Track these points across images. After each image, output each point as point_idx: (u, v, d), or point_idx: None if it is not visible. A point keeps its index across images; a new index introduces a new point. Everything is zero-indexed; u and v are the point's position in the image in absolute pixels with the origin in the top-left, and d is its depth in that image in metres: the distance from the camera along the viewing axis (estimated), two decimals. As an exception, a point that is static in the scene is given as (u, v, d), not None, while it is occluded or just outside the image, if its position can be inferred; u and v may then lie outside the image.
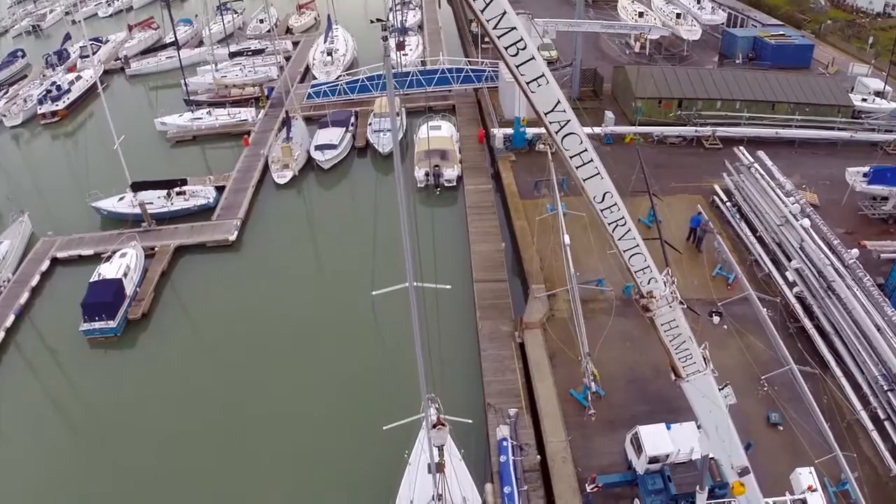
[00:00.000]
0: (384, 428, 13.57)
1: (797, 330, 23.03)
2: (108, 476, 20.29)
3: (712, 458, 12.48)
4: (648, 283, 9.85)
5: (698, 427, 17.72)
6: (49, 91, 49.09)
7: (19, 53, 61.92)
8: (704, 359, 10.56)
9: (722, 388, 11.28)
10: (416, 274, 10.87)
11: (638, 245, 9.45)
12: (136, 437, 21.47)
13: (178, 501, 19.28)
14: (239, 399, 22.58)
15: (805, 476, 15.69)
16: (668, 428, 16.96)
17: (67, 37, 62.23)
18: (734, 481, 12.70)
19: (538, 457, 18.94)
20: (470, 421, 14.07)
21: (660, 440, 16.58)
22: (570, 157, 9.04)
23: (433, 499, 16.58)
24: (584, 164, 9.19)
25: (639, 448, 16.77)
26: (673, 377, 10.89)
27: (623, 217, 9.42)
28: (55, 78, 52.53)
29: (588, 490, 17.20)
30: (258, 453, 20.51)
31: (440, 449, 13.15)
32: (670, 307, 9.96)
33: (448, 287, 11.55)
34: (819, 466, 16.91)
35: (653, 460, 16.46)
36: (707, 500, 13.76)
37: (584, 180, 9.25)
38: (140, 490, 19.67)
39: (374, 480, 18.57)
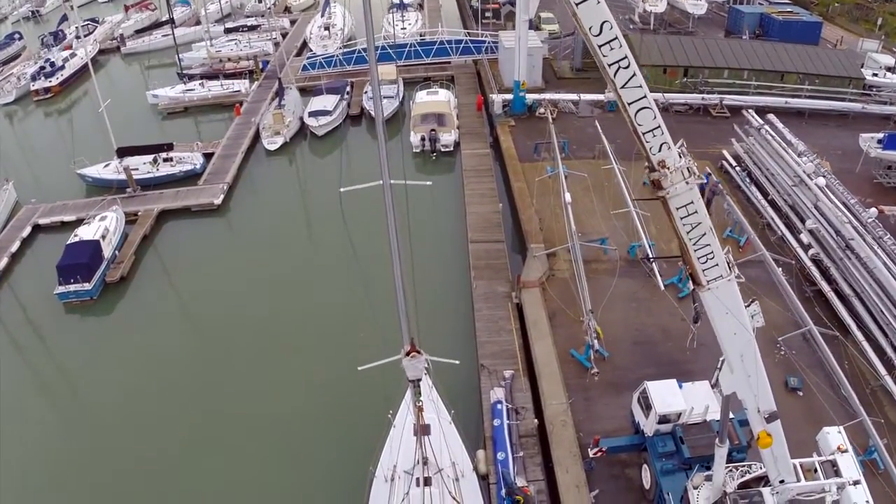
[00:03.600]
0: (359, 369, 12.13)
1: (814, 293, 21.57)
2: (80, 444, 19.04)
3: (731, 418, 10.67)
4: (660, 150, 8.30)
5: (713, 386, 16.41)
6: (43, 68, 48.20)
7: (16, 36, 61.21)
8: (728, 263, 9.01)
9: (749, 305, 9.71)
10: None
11: (645, 97, 7.92)
12: (110, 404, 20.20)
13: (155, 468, 17.98)
14: (218, 363, 21.28)
15: (833, 436, 13.80)
16: (680, 387, 15.39)
17: (64, 18, 61.64)
18: (760, 430, 11.06)
19: (536, 421, 17.45)
20: (457, 362, 12.55)
21: (670, 397, 14.93)
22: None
23: (417, 463, 15.16)
24: None
25: (647, 406, 15.14)
26: (691, 286, 9.30)
27: (626, 57, 7.77)
28: (49, 56, 51.68)
29: (591, 455, 15.66)
30: (237, 417, 19.22)
31: (417, 386, 11.65)
32: (687, 184, 8.41)
33: (428, 184, 10.03)
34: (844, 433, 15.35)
35: (663, 420, 14.82)
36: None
37: (577, 4, 7.53)
38: (114, 457, 18.39)
39: (357, 443, 17.13)
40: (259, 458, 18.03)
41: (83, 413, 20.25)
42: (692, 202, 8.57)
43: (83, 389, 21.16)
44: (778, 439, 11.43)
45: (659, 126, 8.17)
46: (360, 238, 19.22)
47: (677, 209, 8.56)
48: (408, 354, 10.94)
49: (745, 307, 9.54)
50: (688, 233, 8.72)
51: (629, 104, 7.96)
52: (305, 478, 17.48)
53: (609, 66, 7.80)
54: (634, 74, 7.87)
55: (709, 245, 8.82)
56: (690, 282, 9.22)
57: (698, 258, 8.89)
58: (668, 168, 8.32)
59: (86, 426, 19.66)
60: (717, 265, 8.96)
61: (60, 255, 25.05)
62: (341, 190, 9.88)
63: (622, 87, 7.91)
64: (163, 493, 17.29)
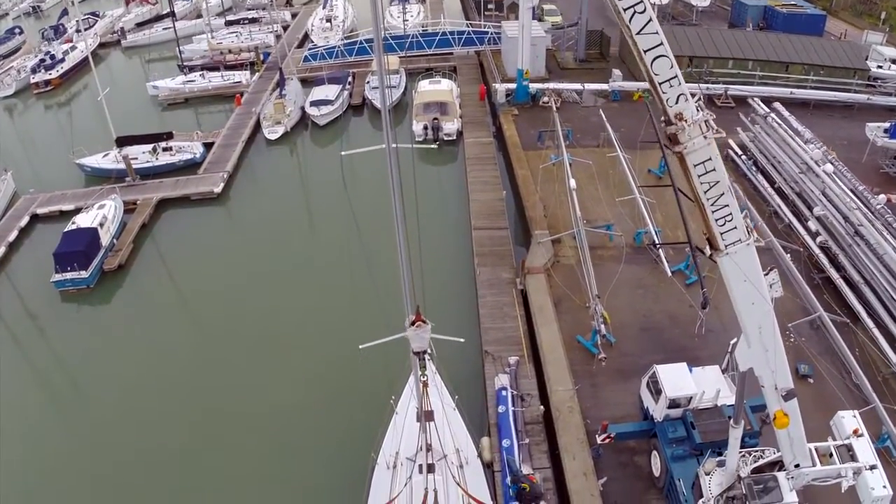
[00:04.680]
0: (361, 347, 11.76)
1: (822, 280, 21.17)
2: (76, 434, 18.66)
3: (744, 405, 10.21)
4: (677, 102, 7.91)
5: (723, 371, 16.02)
6: (43, 60, 47.92)
7: (16, 30, 60.99)
8: (747, 228, 8.59)
9: (767, 273, 9.30)
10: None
11: (662, 45, 7.49)
12: (107, 393, 19.80)
13: (154, 457, 17.58)
14: (216, 352, 20.89)
15: (849, 420, 13.35)
16: (690, 371, 14.98)
17: (64, 12, 61.36)
18: (777, 410, 10.65)
19: (542, 408, 17.04)
20: (462, 340, 12.15)
21: (681, 380, 14.52)
22: None
23: (420, 449, 14.75)
24: None
25: (657, 391, 14.73)
26: (708, 252, 8.90)
27: (641, 1, 7.30)
28: (49, 48, 51.42)
29: (599, 441, 15.25)
30: (236, 406, 18.83)
31: (422, 359, 11.23)
32: (705, 138, 8.00)
33: (434, 146, 9.60)
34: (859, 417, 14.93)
35: (673, 404, 14.41)
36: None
37: None
38: (111, 447, 18.01)
39: (359, 431, 16.74)
40: (259, 448, 17.64)
41: (79, 402, 19.89)
42: (710, 158, 8.17)
43: (79, 378, 20.78)
44: (794, 420, 11.05)
45: (676, 76, 7.78)
46: (362, 216, 18.94)
47: (695, 166, 8.16)
48: (412, 324, 10.50)
49: (764, 275, 9.15)
50: (706, 192, 8.33)
51: (645, 52, 7.57)
52: (306, 466, 17.10)
53: (624, 10, 7.41)
54: (650, 20, 7.48)
55: (727, 206, 8.43)
56: (708, 247, 8.83)
57: (716, 220, 8.49)
58: (686, 121, 7.91)
59: (82, 416, 19.30)
60: (735, 228, 8.57)
61: (58, 243, 24.74)
62: (342, 154, 9.54)
63: (637, 33, 7.51)
64: (162, 483, 16.90)
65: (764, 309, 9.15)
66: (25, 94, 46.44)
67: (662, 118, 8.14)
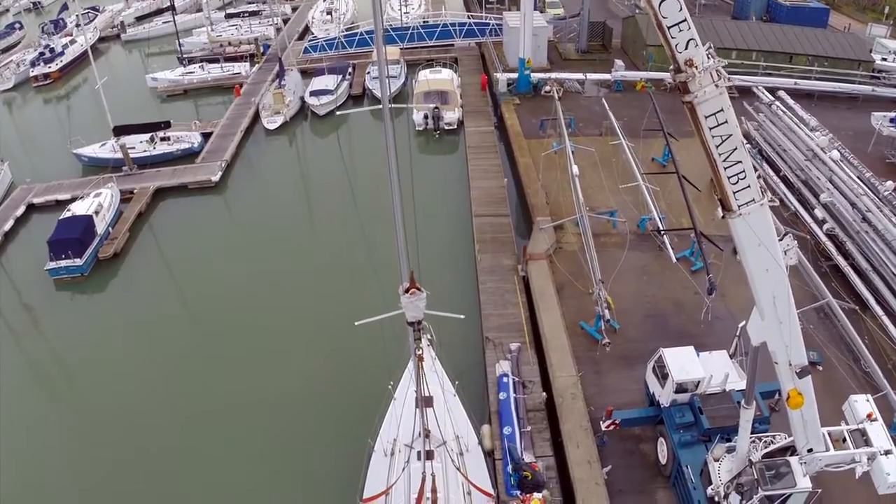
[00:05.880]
0: (356, 323, 11.32)
1: (830, 268, 20.69)
2: (67, 421, 18.29)
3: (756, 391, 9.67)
4: (686, 47, 7.46)
5: (731, 356, 15.56)
6: (42, 54, 47.67)
7: (17, 25, 60.87)
8: (761, 188, 8.16)
9: (781, 238, 8.87)
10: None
11: None
12: (99, 382, 19.40)
13: (149, 446, 17.19)
14: (212, 340, 20.48)
15: (862, 404, 12.86)
16: (697, 356, 14.52)
17: (64, 7, 61.23)
18: (790, 388, 10.17)
19: (544, 394, 16.59)
20: (462, 316, 11.70)
21: (688, 363, 14.03)
22: None
23: (419, 435, 14.31)
24: None
25: (663, 375, 14.26)
26: (721, 213, 8.46)
27: None
28: (49, 42, 51.18)
29: (603, 428, 14.78)
30: (232, 395, 18.40)
31: (418, 331, 10.73)
32: (716, 87, 7.58)
33: (432, 106, 9.13)
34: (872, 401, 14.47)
35: (680, 389, 13.94)
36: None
37: None
38: (104, 436, 17.61)
39: (357, 418, 16.30)
40: (255, 435, 17.24)
41: (71, 390, 19.54)
42: (722, 109, 7.72)
43: (71, 366, 20.38)
44: (808, 399, 10.57)
45: (685, 20, 7.34)
46: (361, 204, 18.56)
47: (706, 118, 7.70)
48: (407, 291, 10.03)
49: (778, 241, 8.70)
50: (717, 146, 7.87)
51: None
52: (303, 453, 16.67)
53: None
54: None
55: (740, 162, 7.98)
56: (720, 209, 8.39)
57: (729, 177, 8.05)
58: (696, 67, 7.48)
59: (73, 403, 18.95)
60: (748, 187, 8.13)
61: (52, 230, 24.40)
62: (338, 113, 9.08)
63: None
64: (157, 470, 16.50)
65: (779, 276, 8.70)
66: (24, 87, 46.17)
67: (671, 68, 7.71)
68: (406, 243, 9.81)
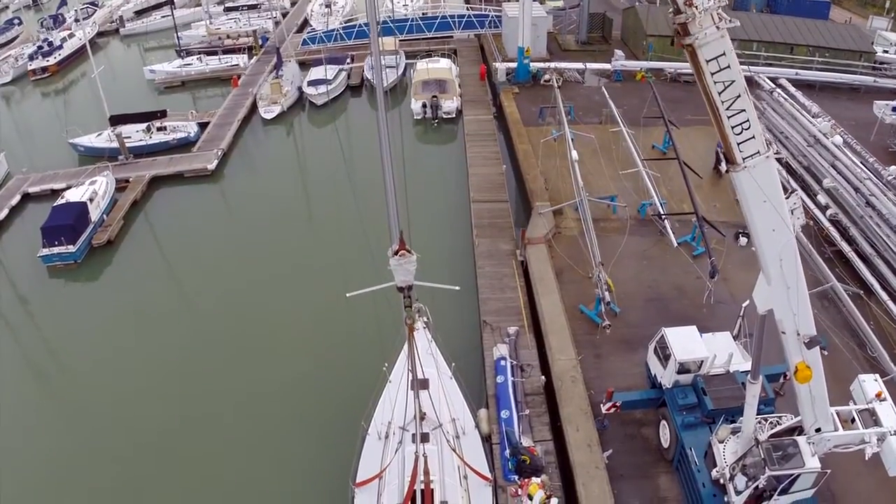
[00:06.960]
0: (348, 295, 10.94)
1: (834, 254, 20.30)
2: (60, 410, 17.95)
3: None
4: None
5: (734, 337, 15.14)
6: (40, 48, 47.50)
7: (15, 21, 60.80)
8: (766, 141, 7.75)
9: (788, 196, 8.48)
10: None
11: None
12: (92, 371, 19.04)
13: (142, 435, 16.81)
14: (206, 328, 20.14)
15: (870, 384, 12.40)
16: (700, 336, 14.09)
17: (63, 2, 61.04)
18: (798, 361, 9.73)
19: (543, 378, 16.19)
20: (457, 287, 11.30)
21: (691, 343, 13.58)
22: None
23: (414, 418, 13.91)
24: None
25: (665, 356, 13.81)
26: (724, 168, 8.06)
27: None
28: (48, 36, 51.04)
29: (604, 411, 14.35)
30: (226, 382, 18.05)
31: (408, 297, 10.31)
32: (717, 29, 7.19)
33: (426, 61, 8.71)
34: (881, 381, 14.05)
35: (683, 369, 13.49)
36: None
37: None
38: (94, 423, 17.26)
39: (352, 402, 15.93)
40: (249, 419, 16.88)
41: (63, 378, 19.14)
42: (724, 53, 7.35)
43: (62, 354, 20.02)
44: (817, 373, 10.16)
45: None
46: (360, 193, 18.16)
47: (707, 62, 7.32)
48: (396, 253, 9.62)
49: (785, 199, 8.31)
50: (720, 93, 7.50)
51: None
52: (297, 437, 16.30)
53: None
54: None
55: (744, 111, 7.59)
56: (725, 163, 7.99)
57: (732, 127, 7.66)
58: (696, 7, 7.10)
59: (65, 392, 18.56)
60: (753, 138, 7.74)
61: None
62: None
63: None
64: (150, 456, 16.15)
65: (785, 237, 8.30)
66: (23, 81, 45.95)
67: (671, 10, 7.33)
68: (396, 203, 9.43)
